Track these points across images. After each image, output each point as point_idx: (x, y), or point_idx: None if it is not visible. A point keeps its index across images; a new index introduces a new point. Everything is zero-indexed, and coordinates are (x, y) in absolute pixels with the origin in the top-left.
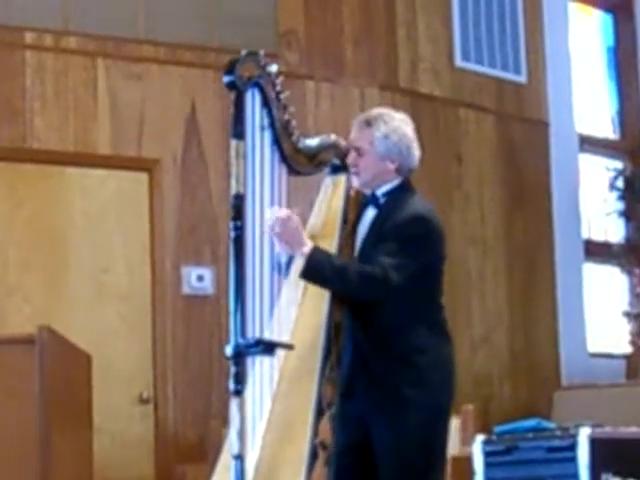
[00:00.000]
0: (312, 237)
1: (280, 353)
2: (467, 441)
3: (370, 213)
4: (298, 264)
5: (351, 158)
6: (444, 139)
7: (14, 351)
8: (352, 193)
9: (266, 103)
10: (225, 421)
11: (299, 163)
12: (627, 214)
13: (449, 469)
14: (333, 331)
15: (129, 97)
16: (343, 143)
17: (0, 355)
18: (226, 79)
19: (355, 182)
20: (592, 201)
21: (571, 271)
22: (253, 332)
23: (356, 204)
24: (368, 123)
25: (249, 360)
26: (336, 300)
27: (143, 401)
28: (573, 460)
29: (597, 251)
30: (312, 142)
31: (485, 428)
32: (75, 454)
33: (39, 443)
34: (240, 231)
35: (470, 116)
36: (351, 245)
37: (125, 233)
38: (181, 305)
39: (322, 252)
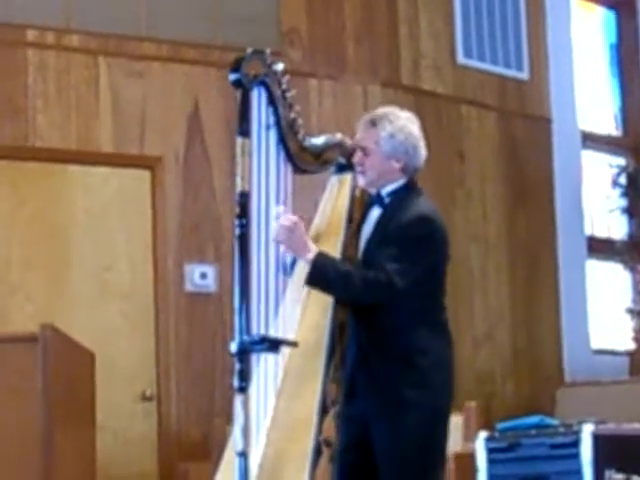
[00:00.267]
0: (317, 236)
1: (285, 351)
2: (470, 438)
3: (375, 213)
4: (302, 267)
5: (357, 158)
6: (446, 136)
7: (17, 349)
8: (357, 193)
9: (272, 101)
10: (228, 419)
11: (305, 162)
12: (630, 211)
13: (452, 465)
14: (337, 331)
15: (131, 95)
16: (349, 142)
17: (3, 353)
18: (232, 77)
19: (361, 181)
20: (595, 198)
21: (574, 268)
22: (258, 329)
23: (361, 203)
24: (373, 123)
25: (254, 357)
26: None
27: (146, 399)
28: (576, 457)
29: (600, 248)
30: (318, 141)
31: (488, 425)
32: (78, 452)
33: (42, 441)
34: (245, 229)
35: (472, 113)
36: (355, 245)
37: (128, 231)
38: (184, 303)
39: (327, 257)
